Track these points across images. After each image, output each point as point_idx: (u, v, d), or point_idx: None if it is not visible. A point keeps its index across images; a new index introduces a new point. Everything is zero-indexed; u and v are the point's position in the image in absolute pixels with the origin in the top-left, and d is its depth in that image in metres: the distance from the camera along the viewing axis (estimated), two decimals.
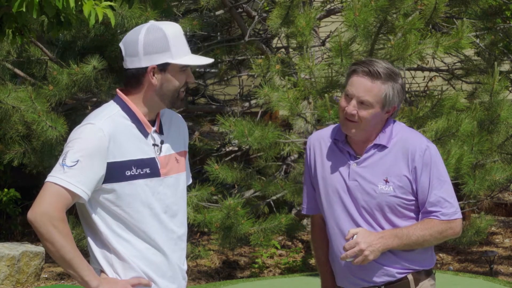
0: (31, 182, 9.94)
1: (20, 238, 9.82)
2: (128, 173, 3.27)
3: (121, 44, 3.35)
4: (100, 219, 3.29)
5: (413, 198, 3.58)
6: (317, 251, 3.84)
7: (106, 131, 3.24)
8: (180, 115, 3.56)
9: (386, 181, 3.55)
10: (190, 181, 3.58)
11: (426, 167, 3.54)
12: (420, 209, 3.59)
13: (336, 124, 3.74)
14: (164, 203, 3.37)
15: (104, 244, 3.31)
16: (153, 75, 3.30)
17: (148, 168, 3.32)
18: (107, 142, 3.23)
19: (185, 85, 3.36)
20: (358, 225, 3.59)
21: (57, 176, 3.19)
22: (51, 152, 8.19)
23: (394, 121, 3.65)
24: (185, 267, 3.49)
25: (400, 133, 3.61)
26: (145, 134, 3.34)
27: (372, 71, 3.49)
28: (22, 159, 8.39)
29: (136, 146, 3.31)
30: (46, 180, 3.21)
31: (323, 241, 3.76)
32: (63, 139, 7.85)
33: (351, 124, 3.54)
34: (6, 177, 10.08)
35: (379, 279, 3.61)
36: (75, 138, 3.24)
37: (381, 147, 3.58)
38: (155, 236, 3.33)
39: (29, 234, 9.87)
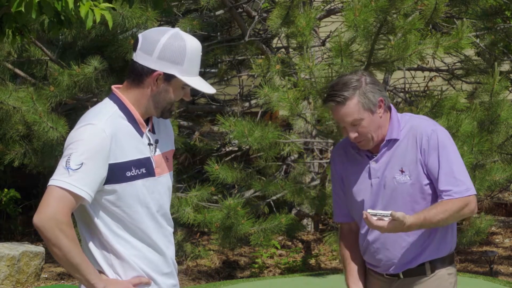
0: (31, 183, 9.95)
1: (20, 238, 9.82)
2: (128, 173, 3.27)
3: (140, 36, 3.32)
4: (100, 220, 3.28)
5: (429, 181, 3.70)
6: (345, 256, 3.94)
7: (108, 132, 3.22)
8: None
9: (402, 171, 3.70)
10: (172, 179, 3.57)
11: (434, 150, 3.67)
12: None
13: None
14: (158, 203, 3.38)
15: (103, 245, 3.30)
16: (156, 80, 3.29)
17: (144, 168, 3.32)
18: (109, 144, 3.21)
19: (179, 101, 3.38)
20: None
21: (62, 180, 3.16)
22: (51, 153, 8.19)
23: (401, 113, 3.82)
24: (176, 264, 3.53)
25: (408, 123, 3.76)
26: (141, 133, 3.34)
27: (338, 100, 3.68)
28: (22, 159, 8.39)
29: (134, 146, 3.31)
30: (50, 184, 3.18)
31: (352, 246, 3.90)
32: (64, 140, 7.81)
33: (363, 143, 3.73)
34: (6, 177, 10.09)
35: (399, 270, 3.78)
36: (78, 140, 3.21)
37: (393, 141, 3.73)
38: (152, 235, 3.35)
39: (29, 234, 9.87)
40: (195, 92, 10.36)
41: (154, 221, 3.35)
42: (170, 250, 3.43)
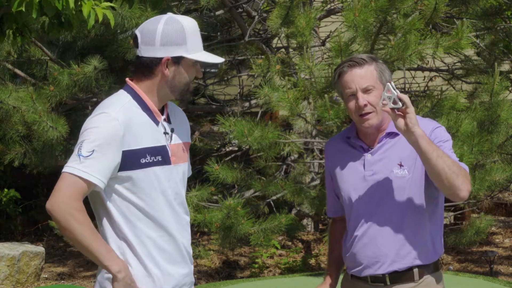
0: (31, 182, 9.96)
1: (20, 238, 9.83)
2: (143, 160, 3.33)
3: (137, 32, 3.39)
4: (114, 208, 3.34)
5: (428, 178, 3.57)
6: (331, 241, 3.92)
7: (121, 121, 3.28)
8: (180, 109, 3.62)
9: (401, 165, 3.61)
10: (191, 173, 3.63)
11: (437, 140, 3.57)
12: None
13: (346, 128, 3.84)
14: (174, 191, 3.43)
15: (116, 233, 3.35)
16: (167, 66, 3.36)
17: (160, 156, 3.38)
18: (122, 131, 3.27)
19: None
20: (378, 214, 3.63)
21: (73, 167, 3.24)
22: (51, 153, 8.20)
23: None
24: (191, 252, 3.57)
25: None
26: (156, 122, 3.40)
27: (356, 61, 3.62)
28: (22, 159, 8.40)
29: (149, 134, 3.36)
30: (63, 170, 3.27)
31: (339, 238, 3.84)
32: (64, 139, 7.86)
33: (370, 115, 3.59)
34: (6, 177, 10.10)
35: (386, 269, 3.66)
36: (90, 128, 3.28)
37: (393, 135, 3.64)
38: (167, 223, 3.39)
39: (29, 234, 9.88)
40: (195, 92, 10.37)
41: (170, 209, 3.41)
42: (185, 239, 3.49)
